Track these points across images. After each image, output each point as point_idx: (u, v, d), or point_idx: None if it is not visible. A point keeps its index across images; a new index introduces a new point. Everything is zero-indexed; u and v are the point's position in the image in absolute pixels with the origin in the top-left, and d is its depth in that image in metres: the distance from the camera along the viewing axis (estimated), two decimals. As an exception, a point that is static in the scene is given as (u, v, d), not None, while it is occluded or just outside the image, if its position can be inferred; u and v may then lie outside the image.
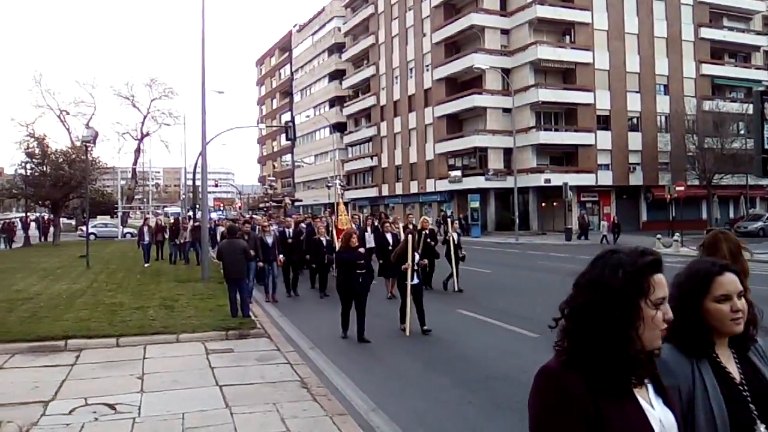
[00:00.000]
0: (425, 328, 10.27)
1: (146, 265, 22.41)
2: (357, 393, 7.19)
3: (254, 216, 26.06)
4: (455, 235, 15.71)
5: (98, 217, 53.54)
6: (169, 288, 15.71)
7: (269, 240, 14.42)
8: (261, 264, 13.85)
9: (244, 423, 6.03)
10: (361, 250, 11.01)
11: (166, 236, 25.58)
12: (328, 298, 14.31)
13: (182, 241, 23.85)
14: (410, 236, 10.55)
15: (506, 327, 10.81)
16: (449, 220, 16.70)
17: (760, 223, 40.07)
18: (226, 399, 6.82)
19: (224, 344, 9.66)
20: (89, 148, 27.81)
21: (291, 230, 16.55)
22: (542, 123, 47.25)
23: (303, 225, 17.67)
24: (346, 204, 66.68)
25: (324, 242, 15.25)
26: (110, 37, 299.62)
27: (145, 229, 24.55)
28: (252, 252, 12.64)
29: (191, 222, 25.08)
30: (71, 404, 6.65)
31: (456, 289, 15.08)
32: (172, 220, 26.51)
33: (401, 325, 10.52)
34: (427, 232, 14.96)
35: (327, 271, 15.60)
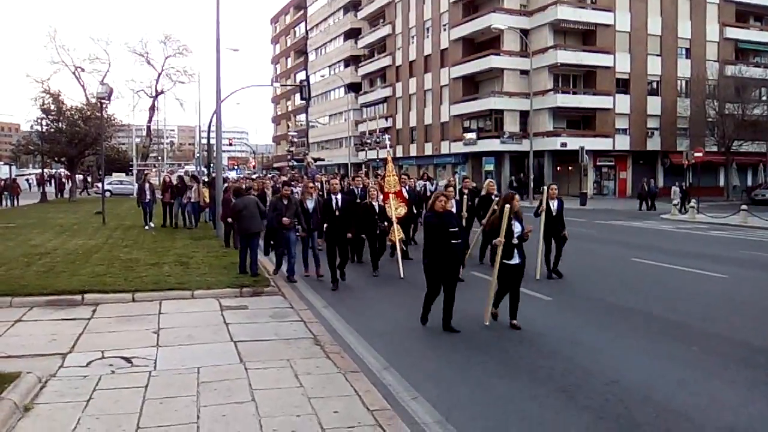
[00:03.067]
0: (515, 322, 8.14)
1: (147, 227, 20.44)
2: (370, 351, 7.24)
3: (295, 177, 22.49)
4: (553, 205, 11.86)
5: (113, 174, 53.83)
6: (185, 245, 15.81)
7: (310, 205, 12.15)
8: (302, 234, 11.94)
9: (258, 378, 6.10)
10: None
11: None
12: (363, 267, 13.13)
13: (186, 202, 21.10)
14: (507, 204, 8.15)
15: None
16: (546, 187, 11.81)
17: (777, 191, 39.55)
18: (241, 355, 6.89)
19: (238, 301, 9.74)
20: (104, 105, 27.76)
21: (338, 197, 11.53)
22: (560, 86, 46.61)
23: (352, 188, 15.65)
24: (359, 165, 66.69)
25: (377, 207, 12.77)
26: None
27: (146, 186, 21.45)
28: (288, 220, 11.44)
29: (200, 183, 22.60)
30: (88, 357, 6.75)
31: (550, 273, 11.70)
32: (175, 180, 22.79)
33: (490, 311, 8.36)
34: (494, 198, 12.59)
35: (382, 242, 13.05)
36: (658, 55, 48.09)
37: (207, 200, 20.69)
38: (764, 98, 45.68)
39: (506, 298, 8.31)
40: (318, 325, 8.30)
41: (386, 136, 18.57)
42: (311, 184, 13.03)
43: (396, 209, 12.88)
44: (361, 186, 15.68)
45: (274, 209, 11.92)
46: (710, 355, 7.14)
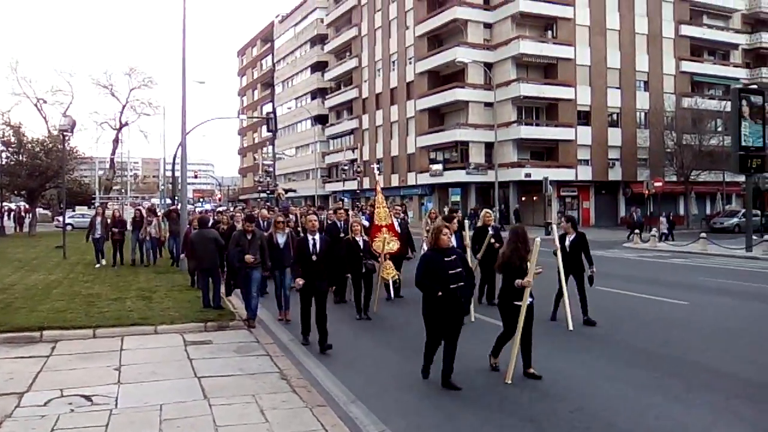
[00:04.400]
0: (532, 370, 7.29)
1: (97, 265, 18.80)
2: (337, 385, 7.18)
3: (272, 207, 21.31)
4: (567, 240, 10.59)
5: (75, 207, 52.83)
6: (147, 279, 15.56)
7: (281, 240, 11.01)
8: (266, 273, 10.96)
9: (222, 414, 5.99)
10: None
11: (128, 231, 21.10)
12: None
13: (144, 237, 19.43)
14: (537, 240, 7.31)
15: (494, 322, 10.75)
16: (561, 215, 11.42)
17: (735, 220, 40.68)
18: (205, 390, 6.77)
19: (203, 336, 9.58)
20: (66, 138, 27.38)
21: (316, 237, 9.47)
22: (523, 117, 47.47)
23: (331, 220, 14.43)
24: (326, 197, 66.59)
25: (361, 243, 11.44)
26: (89, 25, 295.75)
27: (98, 220, 19.58)
28: (252, 257, 10.32)
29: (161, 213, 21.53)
30: (47, 396, 6.56)
31: (585, 319, 10.28)
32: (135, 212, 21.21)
33: (511, 366, 7.20)
34: (491, 230, 11.88)
35: (369, 283, 11.50)
36: (617, 88, 49.42)
37: (164, 234, 19.66)
38: (720, 129, 47.12)
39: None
40: (284, 359, 8.20)
41: (375, 165, 16.30)
42: (280, 219, 11.61)
43: (388, 244, 11.92)
44: (344, 219, 14.14)
45: (236, 245, 10.63)
46: (673, 379, 7.24)
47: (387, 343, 9.37)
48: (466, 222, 12.22)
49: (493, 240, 11.61)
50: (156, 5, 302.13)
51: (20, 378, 7.19)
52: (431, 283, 6.75)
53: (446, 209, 14.93)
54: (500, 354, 7.56)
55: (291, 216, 16.04)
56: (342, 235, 12.48)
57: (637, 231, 31.77)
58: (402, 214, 14.30)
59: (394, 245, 12.05)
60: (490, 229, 11.93)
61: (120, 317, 10.34)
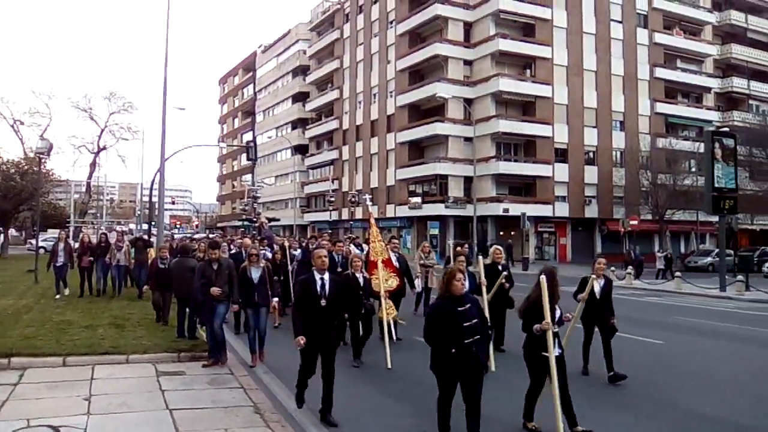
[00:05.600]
0: (580, 429, 6.56)
1: (58, 296, 17.13)
2: (311, 420, 7.06)
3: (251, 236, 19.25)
4: (597, 286, 9.33)
5: (49, 230, 52.00)
6: (121, 306, 15.28)
7: (255, 275, 9.85)
8: (235, 307, 10.00)
9: (194, 449, 5.87)
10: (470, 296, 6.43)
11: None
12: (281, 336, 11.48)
13: (113, 263, 17.79)
14: (544, 277, 6.49)
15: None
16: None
17: (709, 259, 41.29)
18: (176, 424, 6.63)
19: (175, 366, 9.41)
20: (43, 160, 27.11)
21: (325, 278, 7.77)
22: (502, 153, 48.03)
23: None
24: (305, 227, 66.16)
25: (361, 280, 10.24)
26: (70, 48, 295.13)
27: (60, 246, 17.91)
28: (219, 290, 9.40)
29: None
30: (12, 425, 6.39)
31: (612, 374, 8.99)
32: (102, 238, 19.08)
33: (531, 426, 6.74)
34: (500, 268, 10.90)
35: (368, 324, 10.39)
36: (594, 127, 50.31)
37: (131, 261, 17.98)
38: (693, 170, 48.09)
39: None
40: (258, 392, 8.07)
41: (366, 196, 14.59)
42: (254, 252, 10.24)
43: (386, 281, 10.88)
44: (343, 253, 13.19)
45: (201, 276, 9.61)
46: (649, 420, 7.25)
47: (364, 380, 9.26)
48: (480, 258, 10.67)
49: (503, 280, 10.59)
50: (138, 31, 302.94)
51: (-15, 407, 7.00)
52: (443, 337, 5.82)
53: (450, 243, 14.19)
54: (534, 414, 6.74)
55: (275, 247, 15.41)
56: (339, 270, 11.69)
57: (630, 270, 30.44)
58: (398, 249, 13.33)
59: (392, 282, 11.03)
60: (500, 267, 10.87)
61: (91, 345, 10.12)
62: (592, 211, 50.02)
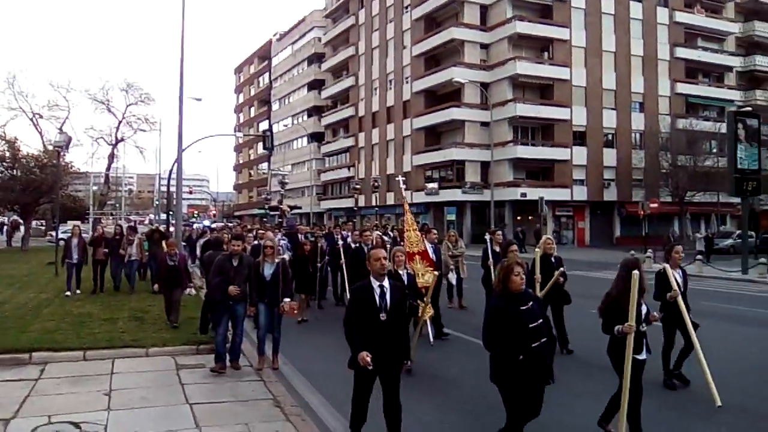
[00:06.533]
0: None
1: (67, 293, 15.87)
2: (331, 413, 7.02)
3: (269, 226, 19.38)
4: (678, 277, 8.02)
5: (69, 222, 52.46)
6: (140, 299, 15.31)
7: (268, 272, 8.86)
8: (252, 309, 8.91)
9: (214, 444, 5.84)
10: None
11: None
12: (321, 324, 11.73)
13: (128, 259, 16.77)
14: (636, 273, 5.59)
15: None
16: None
17: (730, 241, 40.65)
18: (196, 418, 6.61)
19: (195, 359, 9.39)
20: (62, 153, 27.25)
21: (386, 285, 6.43)
22: (519, 137, 47.65)
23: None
24: (321, 215, 66.19)
25: (405, 278, 8.85)
26: (87, 41, 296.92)
27: (74, 242, 16.41)
28: (237, 290, 8.53)
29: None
30: (33, 422, 6.39)
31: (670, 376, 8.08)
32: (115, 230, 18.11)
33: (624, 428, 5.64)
34: (553, 260, 9.68)
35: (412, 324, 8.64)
36: (613, 109, 49.68)
37: (144, 254, 17.27)
38: (714, 151, 47.35)
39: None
40: (278, 384, 8.04)
41: (400, 178, 14.10)
42: (269, 245, 9.18)
43: (423, 276, 9.69)
44: (372, 242, 12.01)
45: (219, 272, 8.71)
46: (673, 409, 7.09)
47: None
48: (537, 251, 9.55)
49: (560, 277, 9.37)
50: (154, 22, 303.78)
51: (7, 403, 7.02)
52: (507, 342, 5.05)
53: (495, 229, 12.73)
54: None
55: (300, 237, 14.84)
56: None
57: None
58: (435, 239, 12.08)
59: (429, 277, 9.57)
60: (552, 258, 9.65)
61: (111, 339, 10.15)
62: (611, 194, 49.50)
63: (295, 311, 8.97)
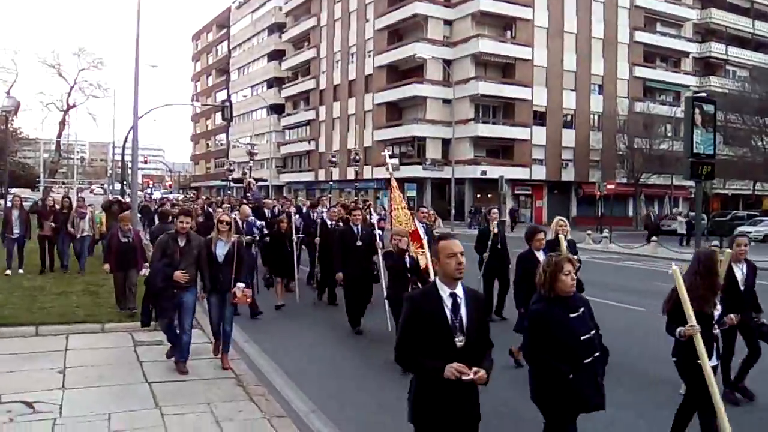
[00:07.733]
0: None
1: (8, 271, 13.98)
2: (296, 393, 6.90)
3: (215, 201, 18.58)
4: (740, 273, 6.87)
5: (17, 190, 50.79)
6: (95, 272, 14.81)
7: (220, 251, 7.52)
8: (203, 295, 7.70)
9: (175, 425, 5.68)
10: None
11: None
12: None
13: (79, 235, 14.65)
14: (708, 262, 5.16)
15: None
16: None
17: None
18: (156, 398, 6.42)
19: (153, 335, 9.05)
20: (9, 118, 26.23)
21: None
22: (481, 115, 47.81)
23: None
24: (281, 187, 65.41)
25: (408, 262, 8.49)
26: (37, 1, 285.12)
27: (14, 214, 14.36)
28: (184, 274, 7.22)
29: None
30: (-17, 402, 6.11)
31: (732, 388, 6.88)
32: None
33: None
34: (567, 244, 8.06)
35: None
36: (573, 90, 50.17)
37: (104, 229, 15.26)
38: (669, 134, 48.31)
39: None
40: (240, 362, 7.87)
41: (386, 152, 11.82)
42: (225, 219, 7.77)
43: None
44: (362, 222, 10.55)
45: (162, 254, 7.34)
46: (640, 392, 7.14)
47: (346, 349, 9.11)
48: (561, 238, 8.13)
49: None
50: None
51: (-46, 381, 6.70)
52: (554, 357, 4.16)
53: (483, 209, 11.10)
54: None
55: (266, 211, 13.92)
56: (362, 244, 9.92)
57: (655, 238, 27.82)
58: (425, 218, 11.47)
59: (421, 260, 8.84)
60: (566, 241, 8.14)
61: (65, 314, 9.79)
62: (568, 175, 50.21)
63: (248, 299, 8.04)
